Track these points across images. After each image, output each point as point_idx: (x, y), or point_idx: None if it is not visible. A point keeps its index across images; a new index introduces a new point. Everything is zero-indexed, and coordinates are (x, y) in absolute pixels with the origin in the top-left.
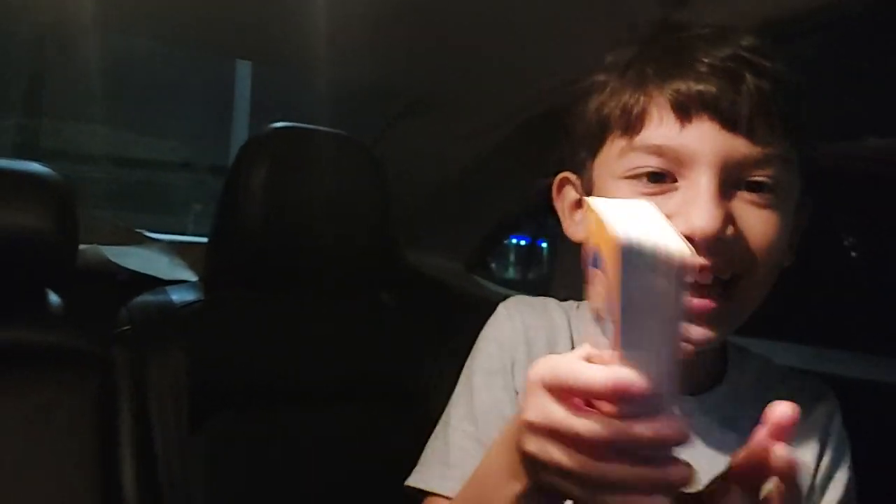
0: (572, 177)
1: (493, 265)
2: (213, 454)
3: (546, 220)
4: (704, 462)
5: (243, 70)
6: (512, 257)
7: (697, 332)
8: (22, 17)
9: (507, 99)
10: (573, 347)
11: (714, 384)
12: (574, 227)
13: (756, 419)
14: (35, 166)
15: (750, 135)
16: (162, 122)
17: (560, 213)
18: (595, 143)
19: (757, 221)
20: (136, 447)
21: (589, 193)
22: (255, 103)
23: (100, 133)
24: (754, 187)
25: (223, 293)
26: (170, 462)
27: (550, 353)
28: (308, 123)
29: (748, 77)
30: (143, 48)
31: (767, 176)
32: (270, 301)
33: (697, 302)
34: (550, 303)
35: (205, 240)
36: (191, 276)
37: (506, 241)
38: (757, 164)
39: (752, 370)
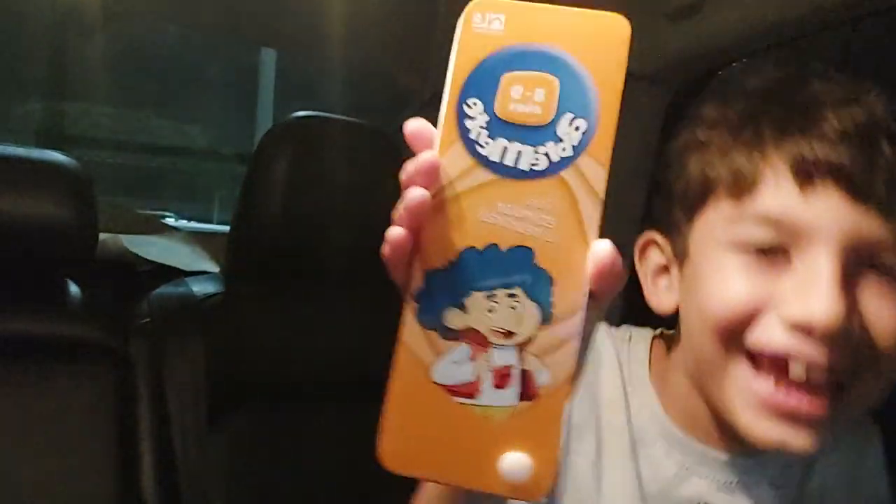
0: (660, 239)
1: None
2: (232, 448)
3: None
4: None
5: (268, 57)
6: None
7: (800, 439)
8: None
9: None
10: (624, 392)
11: None
12: (659, 296)
13: (800, 462)
14: (54, 155)
15: (883, 210)
16: (186, 110)
17: (642, 279)
18: (696, 206)
19: (885, 314)
20: (155, 440)
21: (682, 260)
22: (280, 91)
23: (122, 119)
24: (884, 272)
25: (244, 285)
26: (188, 455)
27: (597, 393)
28: (331, 112)
29: (885, 146)
30: (166, 34)
31: None
32: (292, 294)
33: (805, 403)
34: (600, 331)
35: (226, 229)
36: (212, 267)
37: None
38: (889, 245)
39: None
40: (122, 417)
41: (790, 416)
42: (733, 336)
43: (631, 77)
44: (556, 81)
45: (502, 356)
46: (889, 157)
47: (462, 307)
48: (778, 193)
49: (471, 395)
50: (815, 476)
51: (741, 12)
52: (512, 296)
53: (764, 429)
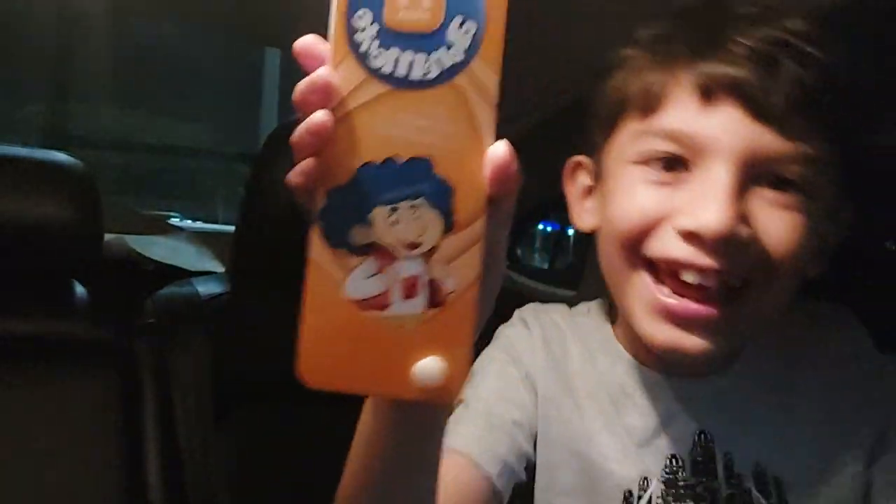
0: (585, 161)
1: (518, 252)
2: (238, 448)
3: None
4: (756, 439)
5: (272, 57)
6: (538, 245)
7: (692, 341)
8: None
9: (539, 85)
10: (591, 359)
11: (738, 355)
12: (584, 216)
13: (785, 381)
14: (59, 156)
15: (781, 128)
16: (190, 109)
17: (570, 200)
18: (610, 124)
19: (778, 224)
20: (161, 440)
21: (599, 179)
22: (284, 91)
23: (126, 119)
24: (779, 185)
25: (249, 285)
26: (194, 455)
27: (566, 366)
28: None
29: (787, 64)
30: (170, 35)
31: (796, 174)
32: (298, 293)
33: (695, 307)
34: (561, 312)
35: (231, 229)
36: (217, 267)
37: (533, 229)
38: (785, 160)
39: (788, 337)
40: (128, 417)
41: (683, 320)
42: (634, 247)
43: None
44: None
45: (409, 267)
46: (791, 75)
47: (366, 222)
48: (681, 109)
49: (382, 307)
50: (804, 400)
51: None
52: (414, 207)
53: (659, 332)
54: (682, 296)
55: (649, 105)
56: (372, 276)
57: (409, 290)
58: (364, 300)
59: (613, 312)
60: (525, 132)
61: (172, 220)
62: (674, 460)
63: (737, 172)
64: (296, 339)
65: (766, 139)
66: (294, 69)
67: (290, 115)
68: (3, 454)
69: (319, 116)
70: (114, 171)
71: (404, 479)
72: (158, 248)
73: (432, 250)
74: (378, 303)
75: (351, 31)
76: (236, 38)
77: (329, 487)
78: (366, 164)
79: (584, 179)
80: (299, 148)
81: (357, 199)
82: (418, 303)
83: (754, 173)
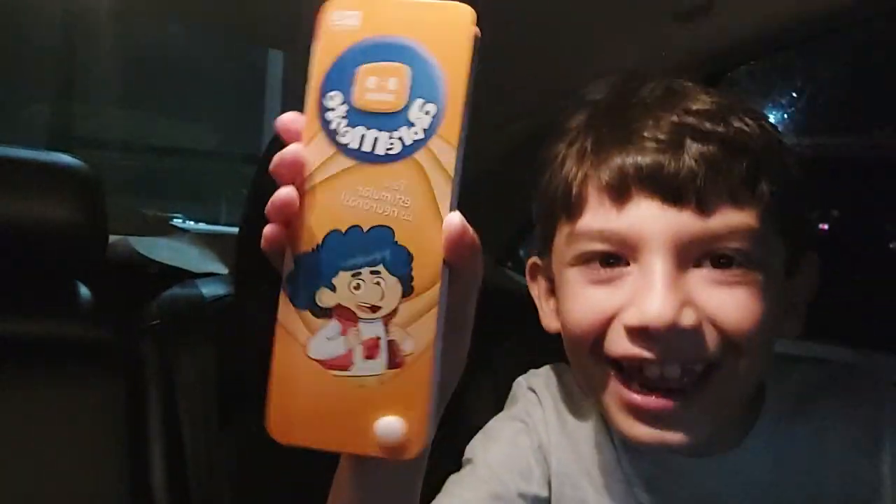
0: (540, 262)
1: (521, 253)
2: (242, 449)
3: None
4: None
5: (275, 59)
6: None
7: (670, 436)
8: (54, 2)
9: (540, 90)
10: (604, 443)
11: (746, 433)
12: (547, 318)
13: (805, 448)
14: (64, 157)
15: (700, 207)
16: (194, 111)
17: (536, 302)
18: (548, 229)
19: (726, 302)
20: (165, 440)
21: (551, 282)
22: (287, 93)
23: (131, 120)
24: (718, 263)
25: (253, 286)
26: (197, 457)
27: (579, 432)
28: None
29: (690, 144)
30: (174, 36)
31: (732, 250)
32: None
33: (662, 402)
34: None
35: (235, 230)
36: (221, 269)
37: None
38: (715, 238)
39: (790, 393)
40: (133, 418)
41: (656, 417)
42: (594, 348)
43: None
44: (407, 70)
45: (370, 329)
46: (697, 154)
47: (331, 286)
48: (600, 209)
49: (344, 367)
50: (827, 461)
51: (750, 14)
52: (375, 272)
53: (636, 431)
54: (651, 390)
55: (572, 208)
56: (335, 337)
57: (370, 352)
58: (327, 360)
59: None
60: (525, 137)
61: (175, 221)
62: None
63: (669, 260)
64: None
65: (687, 221)
66: (298, 71)
67: None
68: (7, 455)
69: (285, 192)
70: (117, 172)
71: None
72: (162, 250)
73: (392, 313)
74: (341, 363)
75: (322, 110)
76: (239, 39)
77: (329, 489)
78: (332, 231)
79: (542, 282)
80: (270, 217)
81: (322, 265)
82: (378, 363)
83: (689, 257)
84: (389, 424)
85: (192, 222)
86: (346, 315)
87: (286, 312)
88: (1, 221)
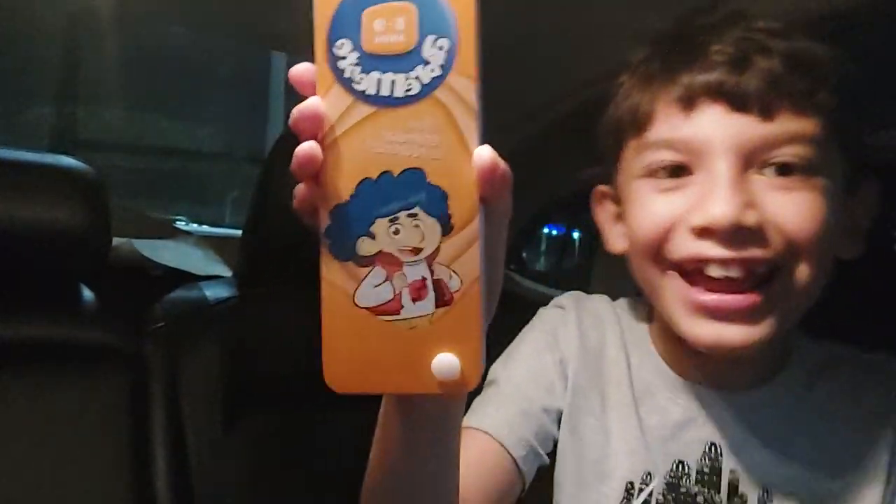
0: (608, 189)
1: (524, 255)
2: (246, 452)
3: (582, 211)
4: (767, 461)
5: (279, 61)
6: (544, 248)
7: (733, 332)
8: (56, 4)
9: (543, 92)
10: (625, 352)
11: (770, 377)
12: (614, 240)
13: (818, 414)
14: (67, 160)
15: (763, 114)
16: (197, 112)
17: (601, 227)
18: (615, 150)
19: (788, 206)
20: (169, 443)
21: (619, 202)
22: (291, 94)
23: (134, 122)
24: (782, 170)
25: (257, 289)
26: (202, 459)
27: (600, 354)
28: None
29: (755, 58)
30: (177, 38)
31: (793, 155)
32: (305, 297)
33: (729, 298)
34: (602, 302)
35: (238, 233)
36: (225, 272)
37: (538, 232)
38: (778, 143)
39: (814, 359)
40: (137, 421)
41: (720, 314)
42: (659, 253)
43: None
44: (412, 7)
45: (414, 271)
46: (762, 68)
47: (370, 234)
48: (668, 120)
49: (394, 312)
50: (841, 432)
51: (762, 9)
52: (412, 215)
53: (699, 329)
54: (715, 291)
55: (641, 123)
56: (381, 284)
57: (417, 293)
58: (376, 307)
59: (651, 313)
60: (527, 140)
61: (178, 223)
62: (680, 466)
63: (734, 164)
64: (304, 344)
65: (752, 127)
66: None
67: None
68: (11, 458)
69: (307, 146)
70: (121, 174)
71: (424, 470)
72: (166, 253)
73: (434, 253)
74: (390, 308)
75: (333, 59)
76: (242, 41)
77: (336, 492)
78: (363, 180)
79: (610, 206)
80: (297, 174)
81: (359, 214)
82: (427, 304)
83: (752, 162)
84: (446, 361)
85: (195, 224)
86: (389, 260)
87: (329, 266)
88: (5, 224)
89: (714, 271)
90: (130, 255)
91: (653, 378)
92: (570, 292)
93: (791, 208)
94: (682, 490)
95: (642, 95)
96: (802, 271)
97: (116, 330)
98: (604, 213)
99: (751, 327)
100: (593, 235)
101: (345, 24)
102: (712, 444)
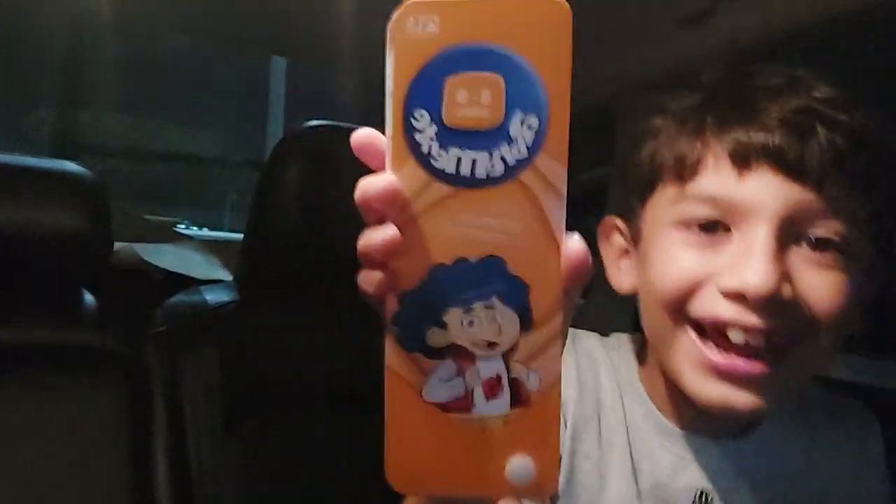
0: (620, 223)
1: None
2: (247, 456)
3: (582, 214)
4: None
5: (278, 65)
6: None
7: (741, 398)
8: (56, 9)
9: None
10: (619, 394)
11: (755, 426)
12: (620, 277)
13: (800, 453)
14: (69, 165)
15: (817, 188)
16: (198, 117)
17: (606, 261)
18: (646, 191)
19: (821, 283)
20: (169, 448)
21: (637, 242)
22: (290, 99)
23: (134, 127)
24: (819, 246)
25: (258, 294)
26: (202, 463)
27: (596, 396)
28: (342, 120)
29: (819, 130)
30: (177, 43)
31: (834, 234)
32: (305, 302)
33: (743, 364)
34: (593, 340)
35: (239, 237)
36: (226, 276)
37: None
38: (823, 217)
39: (795, 409)
40: (137, 425)
41: (731, 377)
42: (679, 307)
43: (640, 84)
44: (500, 79)
45: (489, 367)
46: (823, 139)
47: (442, 325)
48: (717, 175)
49: (465, 409)
50: (815, 468)
51: (753, 18)
52: (489, 307)
53: (708, 389)
54: (727, 352)
55: (685, 172)
56: (451, 378)
57: (491, 391)
58: (446, 403)
59: (643, 353)
60: None
61: (179, 227)
62: None
63: (776, 233)
64: (304, 348)
65: (803, 199)
66: (299, 77)
67: (296, 122)
68: (11, 462)
69: (389, 233)
70: (121, 179)
71: None
72: (167, 257)
73: (512, 349)
74: (460, 405)
75: (410, 130)
76: (243, 46)
77: (336, 499)
78: (437, 266)
79: (619, 241)
80: (367, 259)
81: (430, 302)
82: (502, 403)
83: (793, 233)
84: (520, 465)
85: (195, 228)
86: (461, 354)
87: (395, 356)
88: (6, 229)
89: (735, 336)
90: (131, 260)
91: (643, 422)
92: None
93: (823, 287)
94: None
95: (690, 144)
96: (819, 345)
97: (117, 334)
98: (610, 248)
99: (758, 396)
100: (593, 240)
101: (424, 93)
102: (702, 492)
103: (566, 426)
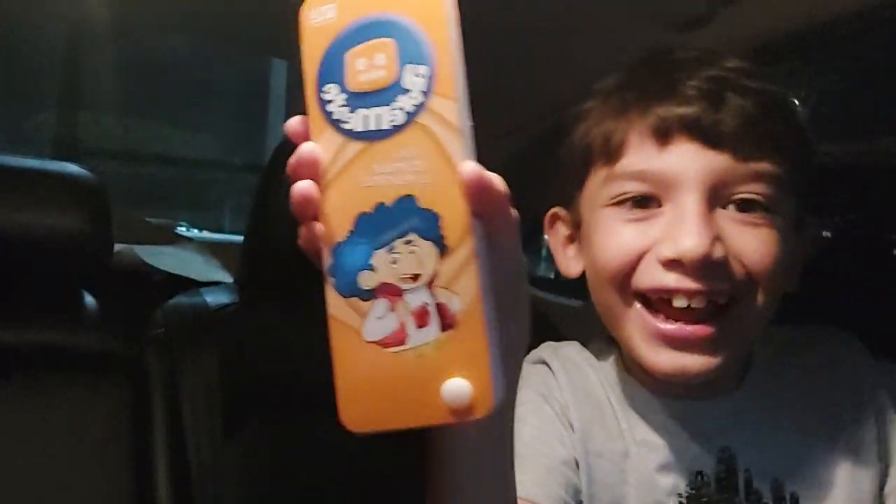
0: (562, 212)
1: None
2: (247, 458)
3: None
4: (769, 454)
5: (279, 68)
6: (545, 255)
7: (693, 361)
8: (57, 12)
9: (538, 102)
10: (608, 389)
11: (744, 376)
12: (567, 263)
13: (787, 401)
14: (70, 167)
15: (735, 152)
16: (198, 120)
17: (553, 250)
18: (581, 175)
19: (750, 241)
20: (169, 449)
21: (578, 227)
22: (291, 102)
23: (134, 129)
24: (744, 206)
25: (258, 295)
26: (202, 465)
27: (590, 395)
28: None
29: (730, 96)
30: (177, 46)
31: (757, 193)
32: (306, 303)
33: (690, 328)
34: (575, 348)
35: (239, 238)
36: (226, 278)
37: (539, 239)
38: (744, 180)
39: (772, 352)
40: (138, 427)
41: (682, 343)
42: (623, 282)
43: None
44: (391, 42)
45: (416, 298)
46: (735, 105)
47: (370, 267)
48: (642, 151)
49: (400, 342)
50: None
51: (752, 24)
52: (409, 242)
53: (661, 359)
54: (676, 320)
55: (612, 152)
56: (385, 315)
57: (421, 320)
58: (383, 340)
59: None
60: (525, 146)
61: (179, 229)
62: (699, 476)
63: (703, 199)
64: (304, 351)
65: (723, 164)
66: (301, 80)
67: None
68: (12, 464)
69: (302, 186)
70: (121, 181)
71: (484, 494)
72: (167, 259)
73: (433, 277)
74: (396, 339)
75: (322, 104)
76: (243, 49)
77: (336, 500)
78: (359, 215)
79: (562, 229)
80: (297, 217)
81: (357, 249)
82: (431, 330)
83: (719, 197)
84: (455, 386)
85: (195, 230)
86: (390, 290)
87: (335, 303)
88: (7, 231)
89: (679, 302)
90: (131, 261)
91: (645, 407)
92: (542, 345)
93: (753, 243)
94: (703, 500)
95: (615, 124)
96: (757, 303)
97: (118, 336)
98: (556, 237)
99: (708, 357)
100: None
101: (331, 69)
102: (724, 447)
103: (573, 429)
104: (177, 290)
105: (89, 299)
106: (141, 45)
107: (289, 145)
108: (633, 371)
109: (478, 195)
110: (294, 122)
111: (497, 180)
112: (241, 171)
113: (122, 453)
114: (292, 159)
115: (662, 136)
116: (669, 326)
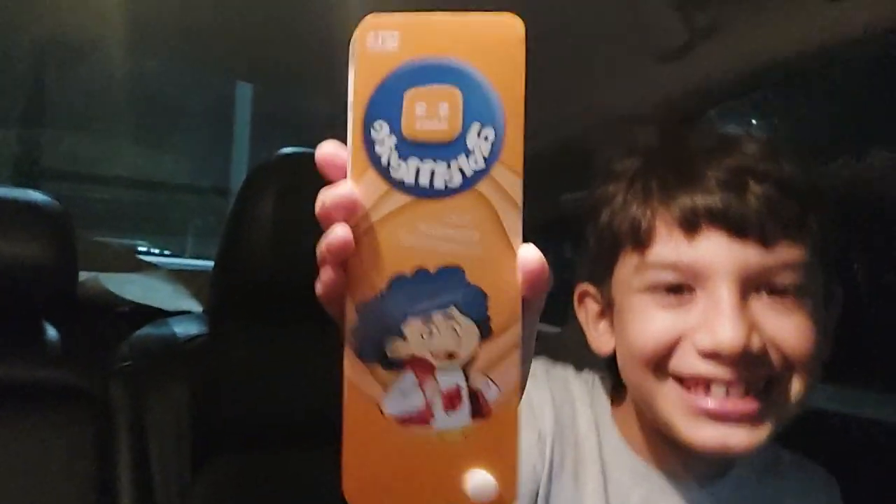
0: (592, 289)
1: None
2: (215, 493)
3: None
4: None
5: (244, 91)
6: None
7: (739, 435)
8: (22, 30)
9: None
10: (595, 430)
11: (724, 472)
12: (599, 340)
13: (772, 496)
14: (33, 194)
15: (763, 242)
16: (161, 142)
17: (584, 326)
18: (611, 259)
19: (786, 326)
20: (135, 486)
21: (611, 306)
22: (255, 125)
23: (98, 150)
24: (776, 293)
25: (228, 326)
26: (170, 501)
27: (574, 430)
28: (309, 146)
29: (753, 185)
30: (143, 67)
31: (789, 282)
32: (278, 334)
33: (734, 403)
34: (569, 374)
35: (208, 265)
36: (194, 307)
37: None
38: (774, 271)
39: (760, 459)
40: (102, 464)
41: (724, 418)
42: (659, 365)
43: (619, 118)
44: (458, 93)
45: (448, 378)
46: (759, 194)
47: (401, 335)
48: (671, 241)
49: (424, 422)
50: None
51: (732, 54)
52: (448, 317)
53: (702, 434)
54: (716, 396)
55: (641, 239)
56: (411, 390)
57: (451, 403)
58: (405, 416)
59: (616, 394)
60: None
61: (140, 249)
62: None
63: (736, 289)
64: (275, 384)
65: (753, 255)
66: (265, 103)
67: (261, 148)
68: None
69: (341, 232)
70: (82, 204)
71: None
72: (133, 287)
73: (471, 359)
74: (420, 418)
75: (369, 142)
76: (207, 71)
77: None
78: (396, 275)
79: (593, 306)
80: (325, 261)
81: (389, 313)
82: (462, 415)
83: (750, 286)
84: (480, 479)
85: (156, 250)
86: (420, 365)
87: (354, 368)
88: None
89: (718, 391)
90: (97, 291)
91: (616, 458)
92: (538, 360)
93: (789, 330)
94: None
95: (641, 211)
96: (797, 382)
97: (81, 369)
98: (586, 313)
99: (754, 430)
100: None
101: (384, 106)
102: None
103: (549, 463)
104: (144, 321)
105: (51, 332)
106: (105, 67)
107: (262, 171)
108: (618, 419)
109: (536, 283)
110: (329, 150)
111: (547, 267)
112: (204, 194)
113: (86, 490)
114: (327, 198)
115: (690, 227)
116: (711, 403)
